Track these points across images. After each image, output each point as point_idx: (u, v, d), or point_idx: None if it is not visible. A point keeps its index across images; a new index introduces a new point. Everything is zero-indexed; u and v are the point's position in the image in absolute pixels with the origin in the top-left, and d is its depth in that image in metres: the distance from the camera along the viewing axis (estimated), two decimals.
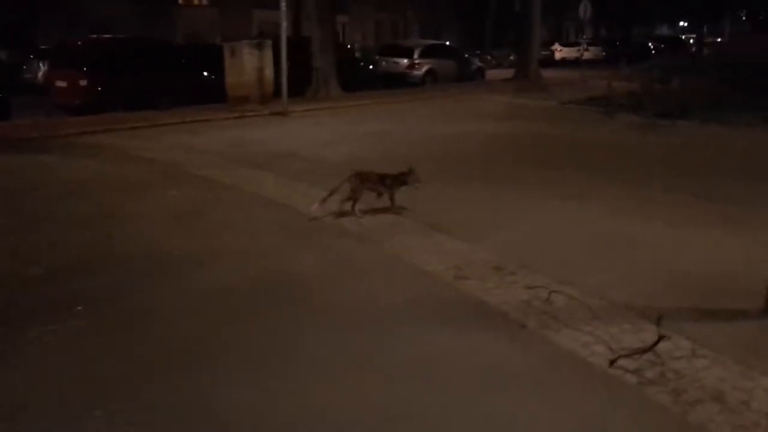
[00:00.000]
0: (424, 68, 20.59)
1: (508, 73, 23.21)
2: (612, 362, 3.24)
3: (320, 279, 4.48)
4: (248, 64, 13.91)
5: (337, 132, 10.82)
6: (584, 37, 28.76)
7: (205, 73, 15.14)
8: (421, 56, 20.69)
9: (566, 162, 8.43)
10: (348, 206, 5.71)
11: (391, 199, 5.79)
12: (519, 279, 4.42)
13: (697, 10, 42.39)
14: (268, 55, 14.08)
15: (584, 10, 22.50)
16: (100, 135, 10.43)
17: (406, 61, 20.58)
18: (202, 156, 8.83)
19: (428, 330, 3.68)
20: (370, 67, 20.32)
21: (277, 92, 13.55)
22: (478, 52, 33.00)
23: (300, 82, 15.65)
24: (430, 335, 3.62)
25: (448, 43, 24.42)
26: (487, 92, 18.11)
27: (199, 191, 6.90)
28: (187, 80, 14.62)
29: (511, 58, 25.33)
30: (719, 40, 47.25)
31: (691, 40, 51.80)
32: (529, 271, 4.56)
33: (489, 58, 32.76)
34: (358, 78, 18.56)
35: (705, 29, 45.05)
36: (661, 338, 3.30)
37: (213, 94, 14.10)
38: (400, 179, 5.72)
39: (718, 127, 11.39)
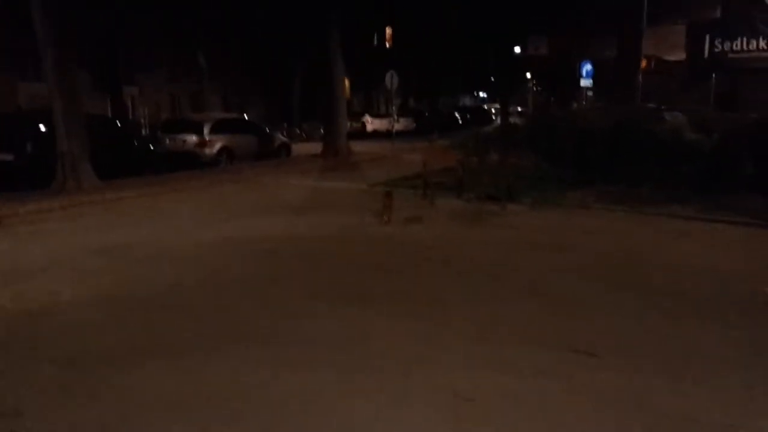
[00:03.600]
0: (217, 146, 17.64)
1: (318, 147, 20.98)
2: None
3: None
4: None
5: (55, 250, 7.35)
6: (393, 108, 27.76)
7: None
8: (212, 132, 17.70)
9: (346, 290, 5.76)
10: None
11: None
12: None
13: (494, 83, 44.34)
14: None
15: (390, 80, 21.32)
16: None
17: (195, 138, 17.52)
18: None
19: None
20: (150, 146, 17.02)
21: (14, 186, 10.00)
22: (286, 125, 31.01)
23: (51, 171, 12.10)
24: None
25: (245, 116, 21.78)
26: (289, 173, 15.62)
27: None
28: None
29: (322, 131, 23.43)
30: (519, 109, 49.80)
31: (493, 110, 54.24)
32: None
33: (298, 131, 30.85)
34: (132, 161, 15.18)
35: (509, 99, 47.01)
36: None
37: None
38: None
39: (552, 211, 9.78)
